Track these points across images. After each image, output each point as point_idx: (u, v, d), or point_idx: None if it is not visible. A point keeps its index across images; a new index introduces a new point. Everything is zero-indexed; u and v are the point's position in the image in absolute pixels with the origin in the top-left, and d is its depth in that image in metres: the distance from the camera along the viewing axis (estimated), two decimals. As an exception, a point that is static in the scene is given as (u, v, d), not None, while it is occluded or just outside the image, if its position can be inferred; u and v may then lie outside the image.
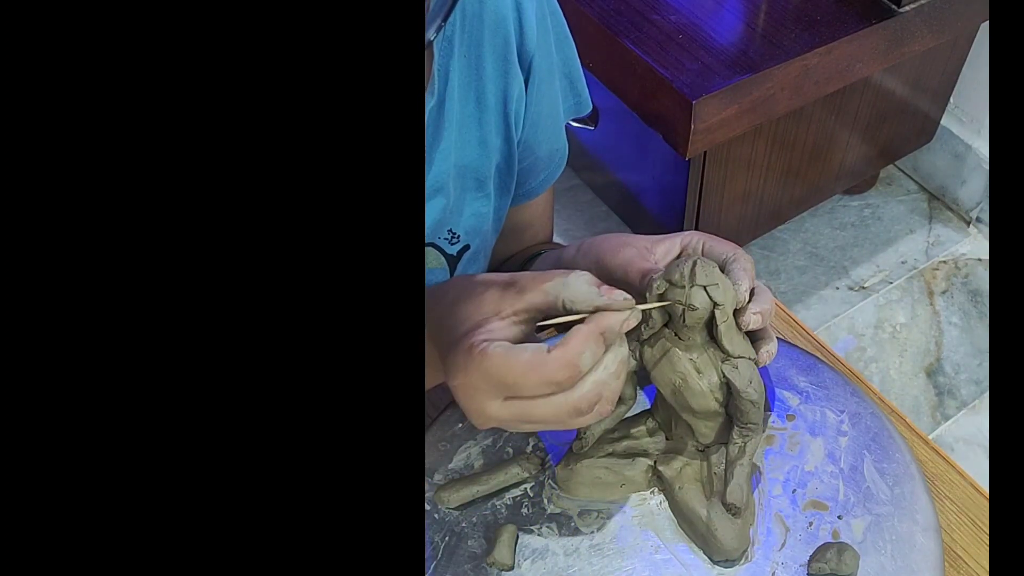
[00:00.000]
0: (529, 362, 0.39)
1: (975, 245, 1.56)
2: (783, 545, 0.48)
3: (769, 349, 0.46)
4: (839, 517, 0.49)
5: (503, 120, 0.57)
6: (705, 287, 0.42)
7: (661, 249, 0.49)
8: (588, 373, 0.40)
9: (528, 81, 0.58)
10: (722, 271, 0.45)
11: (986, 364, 1.40)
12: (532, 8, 0.55)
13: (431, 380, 0.48)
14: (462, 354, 0.41)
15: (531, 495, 0.51)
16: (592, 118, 1.29)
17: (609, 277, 0.49)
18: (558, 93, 0.62)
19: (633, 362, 0.46)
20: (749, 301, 0.45)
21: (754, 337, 0.46)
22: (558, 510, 0.50)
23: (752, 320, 0.44)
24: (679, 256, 0.48)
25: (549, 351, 0.40)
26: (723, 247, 0.47)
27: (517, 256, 0.70)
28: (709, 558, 0.47)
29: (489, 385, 0.40)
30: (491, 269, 0.72)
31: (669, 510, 0.49)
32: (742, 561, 0.47)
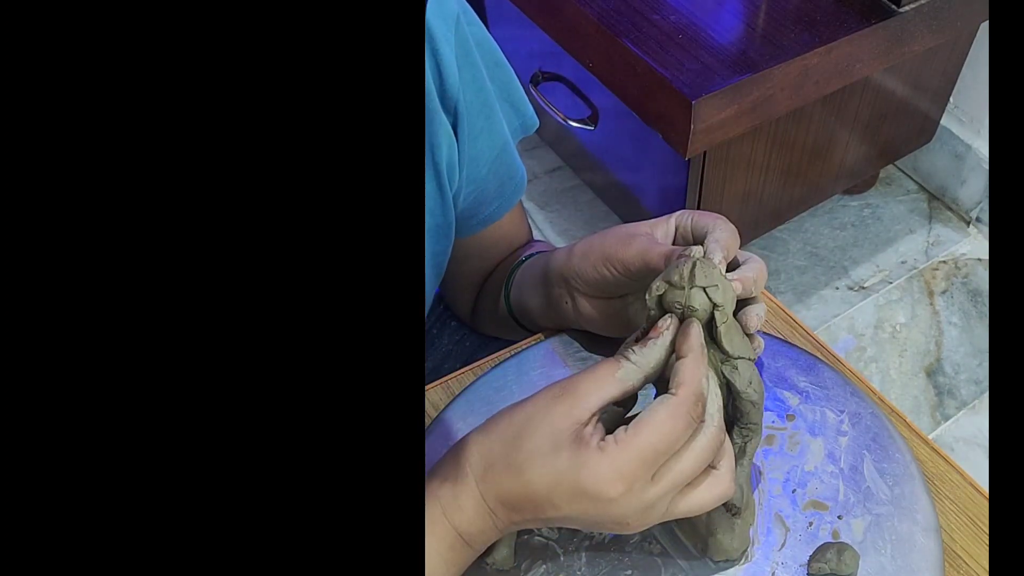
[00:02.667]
0: (665, 415, 0.39)
1: (975, 245, 1.56)
2: (783, 545, 0.48)
3: (759, 312, 0.46)
4: (839, 517, 0.49)
5: (432, 171, 0.55)
6: (704, 288, 0.42)
7: (660, 232, 0.50)
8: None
9: (457, 124, 0.55)
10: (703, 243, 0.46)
11: (986, 364, 1.39)
12: (449, 48, 0.52)
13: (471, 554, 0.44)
14: (590, 473, 0.39)
15: (531, 495, 0.51)
16: (592, 118, 1.29)
17: (624, 269, 0.49)
18: (500, 123, 0.59)
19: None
20: (732, 269, 0.46)
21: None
22: (558, 510, 0.50)
23: (753, 323, 0.45)
24: (675, 243, 0.50)
25: (673, 394, 0.40)
26: (705, 219, 0.49)
27: (497, 272, 0.68)
28: (709, 558, 0.47)
29: (645, 469, 0.39)
30: (467, 290, 0.71)
31: (669, 510, 0.49)
32: (742, 561, 0.47)
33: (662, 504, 0.41)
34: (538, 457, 0.40)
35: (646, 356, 0.42)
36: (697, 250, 0.45)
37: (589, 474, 0.39)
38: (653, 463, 0.39)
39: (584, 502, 0.40)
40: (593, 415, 0.41)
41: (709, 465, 0.42)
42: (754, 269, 0.46)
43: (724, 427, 0.42)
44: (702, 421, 0.41)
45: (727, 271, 0.45)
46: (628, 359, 0.42)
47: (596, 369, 0.42)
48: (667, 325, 0.42)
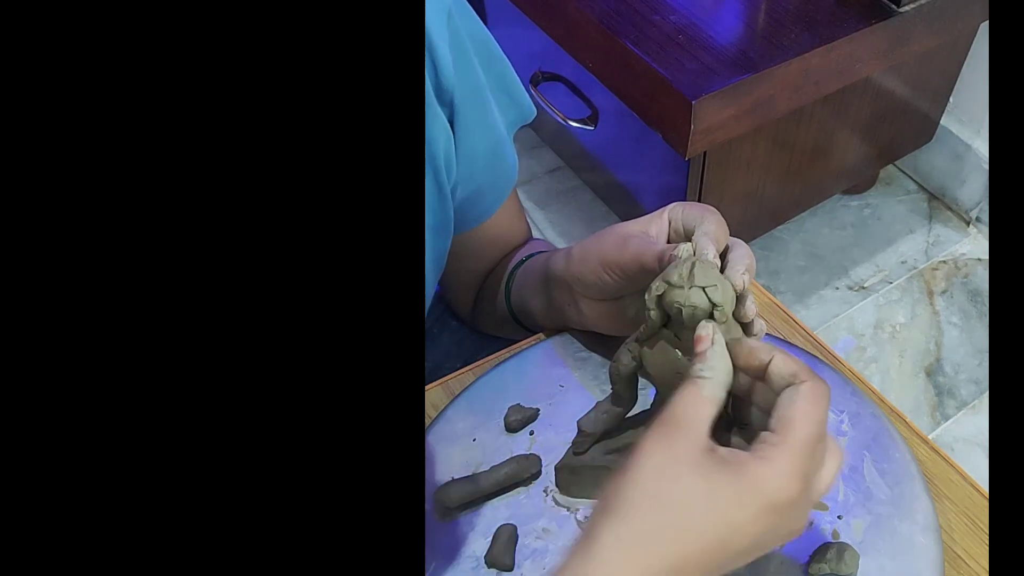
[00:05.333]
0: (808, 404, 0.38)
1: (975, 245, 1.56)
2: (783, 545, 0.48)
3: (750, 301, 0.45)
4: (839, 517, 0.49)
5: (429, 168, 0.54)
6: (704, 288, 0.42)
7: (654, 229, 0.50)
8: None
9: (453, 118, 0.54)
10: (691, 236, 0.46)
11: (986, 364, 1.39)
12: (444, 43, 0.51)
13: None
14: (768, 484, 0.37)
15: (531, 495, 0.51)
16: (592, 118, 1.29)
17: (623, 274, 0.49)
18: (495, 115, 0.59)
19: (632, 363, 0.46)
20: (723, 258, 0.46)
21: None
22: (558, 510, 0.50)
23: (754, 319, 0.44)
24: (669, 233, 0.50)
25: (799, 383, 0.39)
26: (695, 211, 0.48)
27: (497, 271, 0.68)
28: (709, 558, 0.47)
29: (811, 460, 0.38)
30: (467, 289, 0.71)
31: (669, 510, 0.49)
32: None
33: (810, 482, 0.39)
34: (697, 501, 0.36)
35: (715, 366, 0.40)
36: (686, 247, 0.45)
37: (768, 485, 0.37)
38: (814, 453, 0.38)
39: (771, 516, 0.37)
40: (709, 439, 0.38)
41: None
42: (744, 262, 0.46)
43: None
44: None
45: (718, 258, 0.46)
46: (703, 377, 0.40)
47: (682, 398, 0.39)
48: (710, 331, 0.41)
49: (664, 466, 0.37)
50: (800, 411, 0.38)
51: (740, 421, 0.45)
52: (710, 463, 0.37)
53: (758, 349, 0.41)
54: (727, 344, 0.41)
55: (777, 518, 0.37)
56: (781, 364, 0.40)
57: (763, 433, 0.38)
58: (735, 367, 0.41)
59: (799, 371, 0.39)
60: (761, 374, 0.41)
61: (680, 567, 0.36)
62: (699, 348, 0.40)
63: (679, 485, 0.36)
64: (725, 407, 0.45)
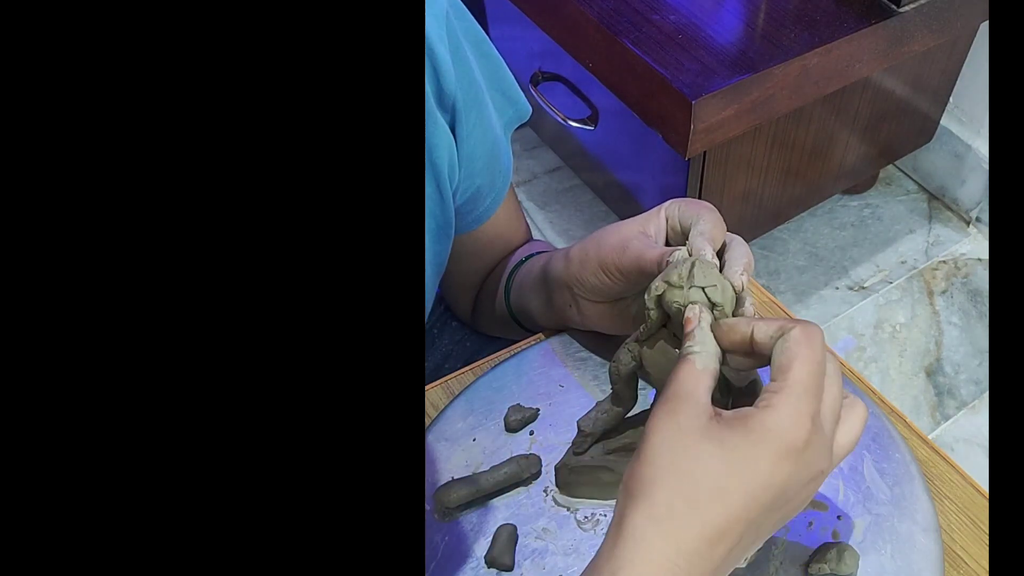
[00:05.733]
0: (800, 346, 0.38)
1: (975, 245, 1.56)
2: (783, 545, 0.48)
3: (748, 310, 0.45)
4: (839, 517, 0.49)
5: (430, 172, 0.54)
6: (703, 288, 0.42)
7: (652, 227, 0.50)
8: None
9: (455, 123, 0.54)
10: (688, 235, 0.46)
11: (986, 364, 1.39)
12: (443, 47, 0.51)
13: None
14: (776, 429, 0.36)
15: (531, 495, 0.51)
16: (592, 118, 1.29)
17: (622, 276, 0.49)
18: (491, 116, 0.58)
19: (632, 363, 0.46)
20: (721, 255, 0.46)
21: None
22: (558, 510, 0.50)
23: (750, 314, 0.44)
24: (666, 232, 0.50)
25: (788, 328, 0.39)
26: (692, 209, 0.48)
27: (496, 272, 0.68)
28: (709, 558, 0.47)
29: (815, 399, 0.37)
30: (467, 289, 0.71)
31: (669, 510, 0.49)
32: (742, 561, 0.47)
33: (833, 438, 0.39)
34: (713, 465, 0.36)
35: (703, 341, 0.40)
36: (682, 253, 0.45)
37: (776, 431, 0.36)
38: (817, 392, 0.38)
39: (788, 461, 0.36)
40: (711, 406, 0.38)
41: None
42: (742, 261, 0.45)
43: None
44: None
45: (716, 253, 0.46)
46: (694, 352, 0.40)
47: (678, 375, 0.39)
48: (696, 312, 0.41)
49: (674, 439, 0.37)
50: (793, 354, 0.38)
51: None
52: (717, 427, 0.37)
53: (737, 323, 0.41)
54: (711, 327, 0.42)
55: (795, 463, 0.37)
56: (763, 327, 0.40)
57: (764, 387, 0.39)
58: (723, 349, 0.41)
59: (783, 324, 0.39)
60: (749, 347, 0.41)
61: (713, 536, 0.36)
62: (688, 329, 0.41)
63: (692, 454, 0.36)
64: (724, 407, 0.45)
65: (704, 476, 0.36)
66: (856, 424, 0.41)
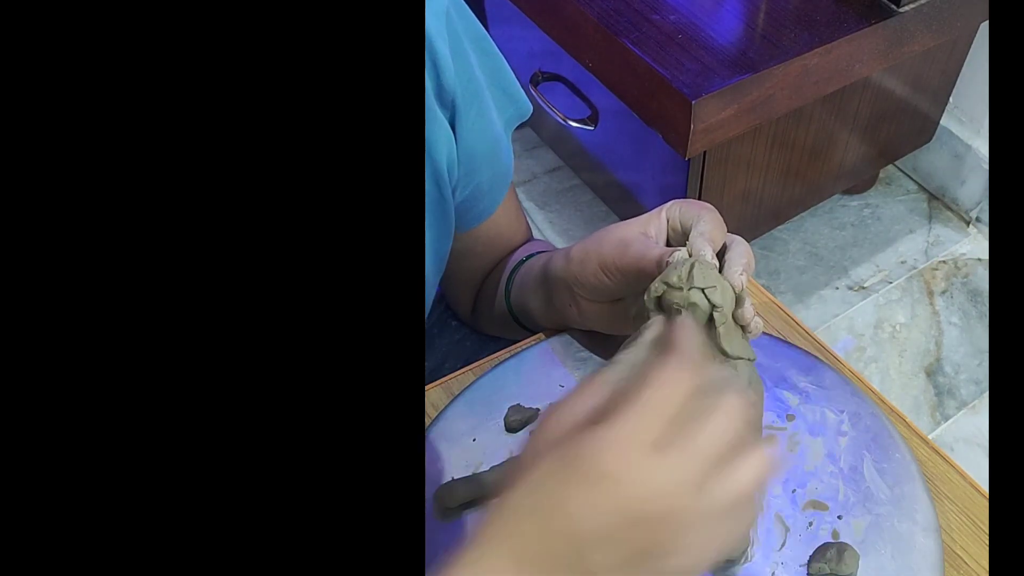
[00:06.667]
0: (657, 372, 0.34)
1: (975, 245, 1.56)
2: (783, 545, 0.48)
3: (748, 311, 0.44)
4: (839, 517, 0.49)
5: (430, 170, 0.54)
6: (703, 290, 0.42)
7: (653, 228, 0.50)
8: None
9: (455, 120, 0.53)
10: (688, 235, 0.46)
11: (986, 364, 1.39)
12: (444, 44, 0.51)
13: None
14: (579, 451, 0.32)
15: (531, 495, 0.51)
16: (592, 118, 1.29)
17: (622, 277, 0.49)
18: (491, 114, 0.58)
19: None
20: (722, 255, 0.46)
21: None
22: (558, 510, 0.50)
23: (752, 321, 0.44)
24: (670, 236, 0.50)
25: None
26: (692, 210, 0.48)
27: (496, 271, 0.68)
28: (709, 558, 0.47)
29: (643, 432, 0.33)
30: (467, 289, 0.71)
31: (669, 510, 0.49)
32: (742, 561, 0.47)
33: (696, 477, 0.33)
34: (529, 473, 0.34)
35: (633, 354, 0.40)
36: (681, 254, 0.45)
37: (580, 452, 0.33)
38: (652, 425, 0.33)
39: (584, 489, 0.32)
40: (587, 418, 0.35)
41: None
42: (742, 261, 0.45)
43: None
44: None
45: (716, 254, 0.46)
46: (619, 362, 0.39)
47: (586, 378, 0.38)
48: (650, 324, 0.42)
49: (529, 445, 0.35)
50: (652, 379, 0.34)
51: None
52: (560, 438, 0.34)
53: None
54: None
55: (599, 495, 0.32)
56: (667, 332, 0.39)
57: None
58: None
59: (671, 341, 0.37)
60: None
61: (536, 557, 0.33)
62: (634, 336, 0.41)
63: (527, 457, 0.35)
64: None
65: (539, 487, 0.34)
66: (748, 471, 0.34)
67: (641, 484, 0.32)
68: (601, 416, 0.34)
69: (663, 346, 0.38)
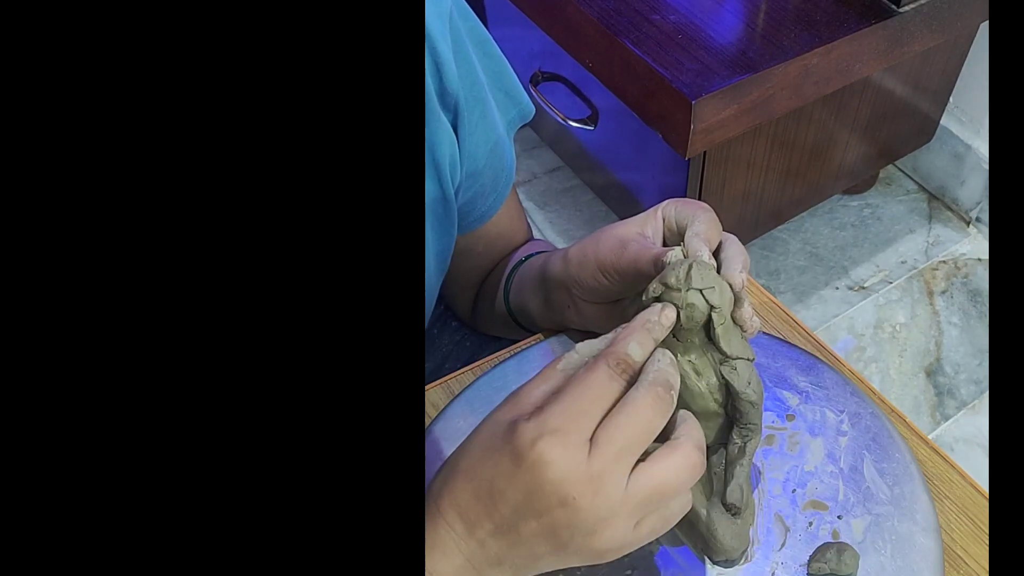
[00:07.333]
0: (583, 371, 0.38)
1: (975, 245, 1.56)
2: (783, 545, 0.48)
3: (747, 312, 0.45)
4: (839, 517, 0.49)
5: (432, 171, 0.54)
6: (701, 290, 0.42)
7: (650, 228, 0.50)
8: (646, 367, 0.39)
9: (457, 122, 0.54)
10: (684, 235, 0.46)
11: (986, 364, 1.39)
12: (446, 46, 0.51)
13: None
14: (517, 442, 0.37)
15: (531, 495, 0.51)
16: (592, 118, 1.29)
17: (620, 278, 0.49)
18: (494, 116, 0.58)
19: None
20: (718, 254, 0.46)
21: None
22: (558, 510, 0.50)
23: (750, 323, 0.44)
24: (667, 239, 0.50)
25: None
26: (688, 209, 0.48)
27: (496, 271, 0.68)
28: (709, 558, 0.47)
29: (572, 427, 0.37)
30: (467, 289, 0.71)
31: (669, 510, 0.49)
32: (742, 561, 0.47)
33: (616, 476, 0.37)
34: (480, 455, 0.38)
35: (591, 346, 0.41)
36: (676, 253, 0.45)
37: (517, 443, 0.37)
38: (577, 421, 0.37)
39: (519, 477, 0.37)
40: (539, 408, 0.38)
41: (666, 437, 0.39)
42: (739, 260, 0.45)
43: (674, 397, 0.39)
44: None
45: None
46: (576, 352, 0.41)
47: (543, 368, 0.40)
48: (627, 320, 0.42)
49: (482, 428, 0.41)
50: (579, 379, 0.38)
51: (739, 420, 0.45)
52: (505, 428, 0.38)
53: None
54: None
55: (528, 479, 0.37)
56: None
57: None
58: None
59: (610, 344, 0.40)
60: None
61: (465, 515, 0.38)
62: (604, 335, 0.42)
63: (476, 444, 0.40)
64: (724, 407, 0.45)
65: (470, 463, 0.39)
66: (669, 465, 0.38)
67: (567, 470, 0.36)
68: (544, 403, 0.38)
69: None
